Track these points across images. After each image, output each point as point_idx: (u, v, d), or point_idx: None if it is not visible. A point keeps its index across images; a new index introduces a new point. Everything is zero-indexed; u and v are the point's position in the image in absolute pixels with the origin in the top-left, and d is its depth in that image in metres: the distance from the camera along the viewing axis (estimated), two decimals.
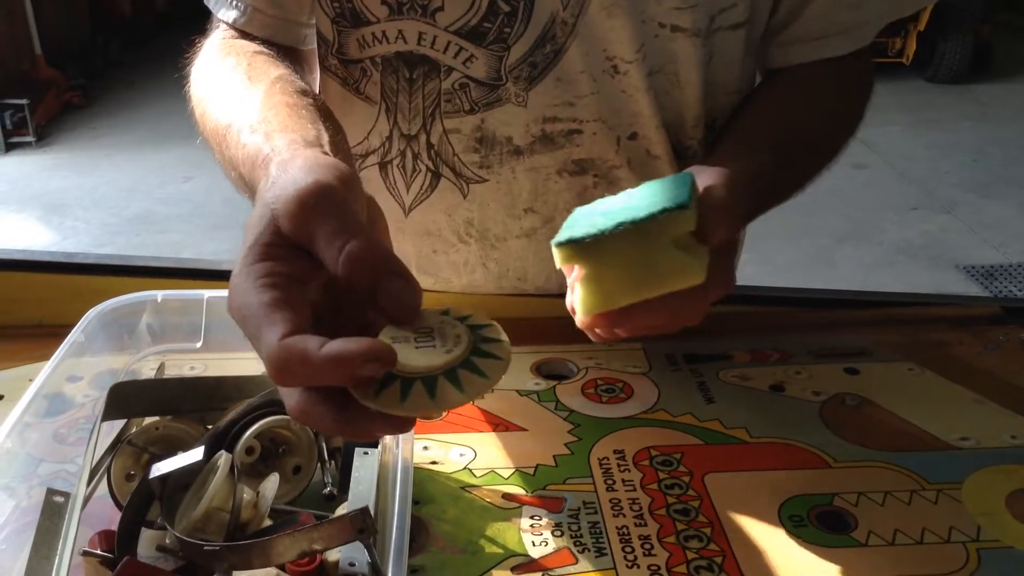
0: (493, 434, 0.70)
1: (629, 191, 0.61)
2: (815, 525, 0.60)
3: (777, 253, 3.21)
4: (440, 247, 0.83)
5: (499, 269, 0.83)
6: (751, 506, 0.62)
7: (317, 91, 0.80)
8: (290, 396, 0.41)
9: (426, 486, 0.64)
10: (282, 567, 0.48)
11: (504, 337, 0.44)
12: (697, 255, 0.56)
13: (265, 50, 0.72)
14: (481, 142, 0.77)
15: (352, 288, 0.42)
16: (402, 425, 0.42)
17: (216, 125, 0.63)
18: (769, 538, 0.59)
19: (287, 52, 0.75)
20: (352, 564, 0.48)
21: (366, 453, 0.58)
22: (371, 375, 0.40)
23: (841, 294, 0.92)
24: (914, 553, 0.58)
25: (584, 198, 0.80)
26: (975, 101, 5.08)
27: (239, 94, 0.63)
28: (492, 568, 0.57)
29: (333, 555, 0.50)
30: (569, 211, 0.79)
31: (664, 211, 0.55)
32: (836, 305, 0.89)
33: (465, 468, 0.66)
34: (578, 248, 0.57)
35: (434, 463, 0.66)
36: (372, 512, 0.48)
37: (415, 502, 0.60)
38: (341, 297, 0.45)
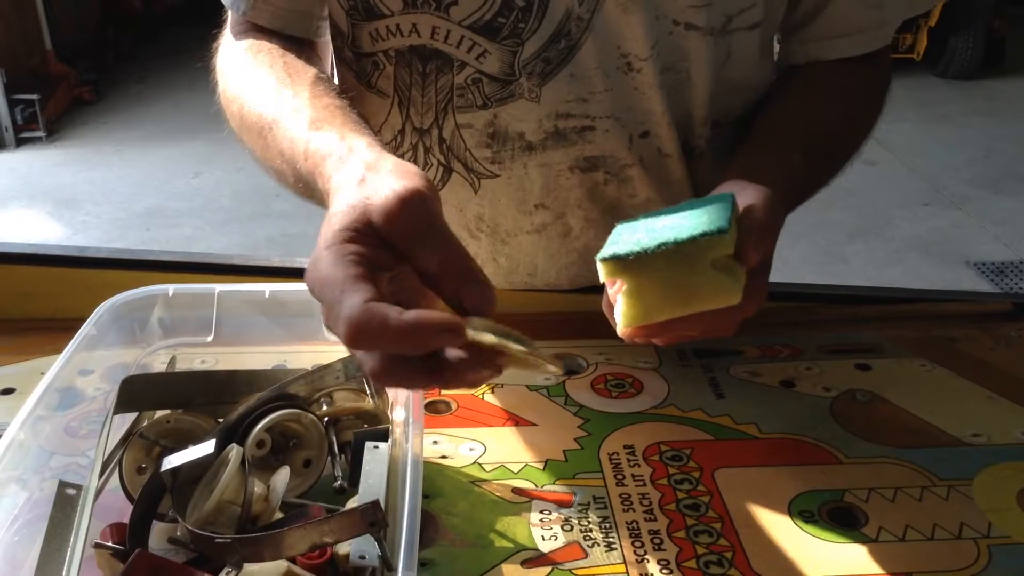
0: (503, 429, 0.70)
1: (672, 209, 0.65)
2: (825, 521, 0.60)
3: (788, 249, 3.19)
4: None
5: (509, 264, 0.83)
6: (761, 501, 0.62)
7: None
8: (370, 359, 0.45)
9: (436, 480, 0.64)
10: (293, 560, 0.48)
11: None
12: (734, 275, 0.60)
13: (289, 47, 0.72)
14: (493, 137, 0.77)
15: (437, 288, 0.47)
16: (490, 362, 0.46)
17: (259, 119, 0.65)
18: (779, 533, 0.59)
19: (301, 44, 0.75)
20: (363, 557, 0.48)
21: (376, 447, 0.58)
22: (443, 344, 0.44)
23: (852, 290, 0.92)
24: (925, 549, 0.58)
25: (595, 195, 0.79)
26: (986, 97, 5.05)
27: (283, 91, 0.65)
28: (502, 562, 0.57)
29: (343, 548, 0.50)
30: (581, 208, 0.79)
31: (704, 235, 0.58)
32: (847, 301, 0.89)
33: (475, 462, 0.66)
34: (621, 264, 0.61)
35: (444, 457, 0.66)
36: (382, 505, 0.48)
37: (425, 496, 0.60)
38: (402, 291, 0.48)
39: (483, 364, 0.46)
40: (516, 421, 0.71)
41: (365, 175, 0.51)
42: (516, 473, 0.65)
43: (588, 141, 0.77)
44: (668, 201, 0.80)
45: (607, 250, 0.63)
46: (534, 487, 0.63)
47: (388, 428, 0.61)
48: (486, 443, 0.68)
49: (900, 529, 0.59)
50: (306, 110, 0.61)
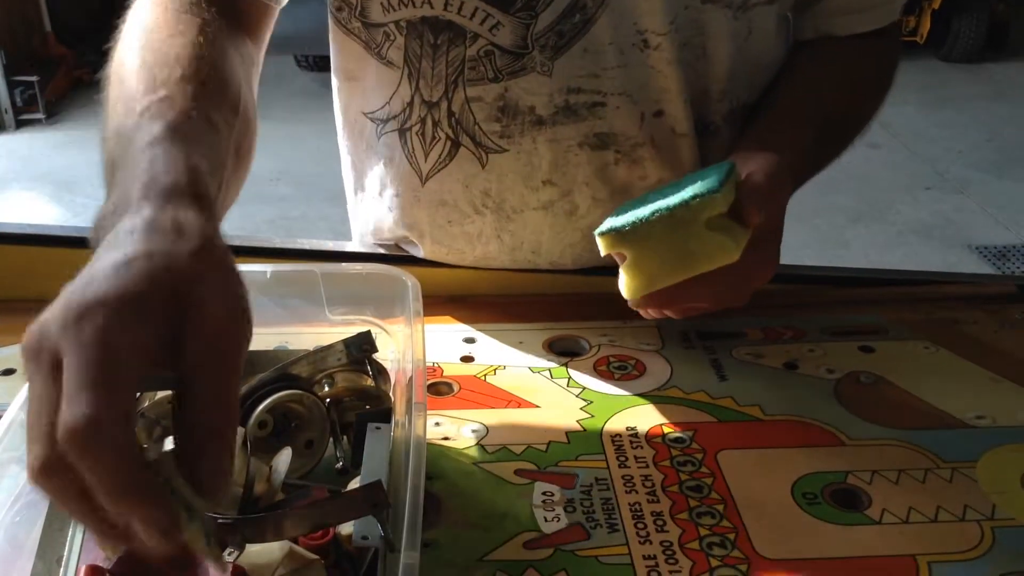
0: (505, 411, 0.70)
1: (674, 181, 0.66)
2: (829, 502, 0.60)
3: (789, 233, 3.16)
4: (455, 217, 0.82)
5: (513, 241, 0.83)
6: (764, 483, 0.62)
7: (261, 55, 0.74)
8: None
9: (438, 462, 0.64)
10: (295, 540, 0.48)
11: None
12: (733, 235, 0.61)
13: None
14: (503, 111, 0.76)
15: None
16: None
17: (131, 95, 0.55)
18: (782, 515, 0.59)
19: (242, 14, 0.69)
20: (365, 537, 0.48)
21: (378, 428, 0.58)
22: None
23: (856, 272, 0.91)
24: (928, 531, 0.58)
25: (604, 175, 0.79)
26: (990, 80, 5.03)
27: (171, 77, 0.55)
28: (504, 543, 0.57)
29: (346, 528, 0.49)
30: (588, 185, 0.79)
31: (694, 197, 0.59)
32: (851, 283, 0.88)
33: (477, 444, 0.66)
34: (618, 236, 0.62)
35: (446, 439, 0.66)
36: (384, 487, 0.48)
37: (427, 478, 0.60)
38: None
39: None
40: (518, 403, 0.70)
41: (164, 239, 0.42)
42: (518, 455, 0.65)
43: (599, 117, 0.76)
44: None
45: (605, 224, 0.64)
46: (536, 469, 0.63)
47: (390, 409, 0.60)
48: (488, 425, 0.68)
49: (903, 511, 0.59)
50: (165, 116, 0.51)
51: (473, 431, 0.67)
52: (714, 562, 0.55)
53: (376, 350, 0.64)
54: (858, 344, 0.78)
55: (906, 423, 0.68)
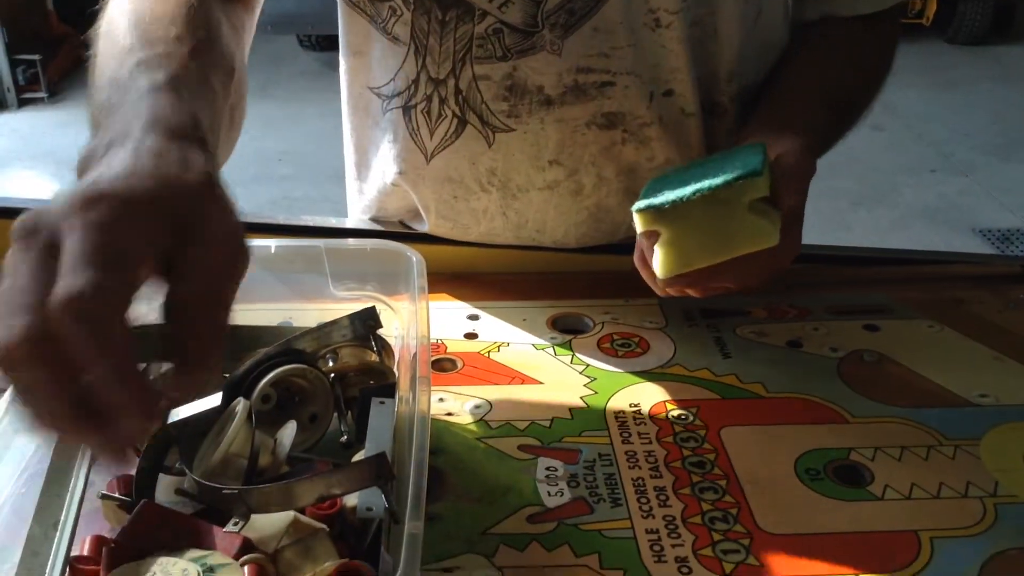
0: (509, 387, 0.70)
1: (702, 161, 0.65)
2: (831, 479, 0.60)
3: None
4: (460, 194, 0.82)
5: (518, 219, 0.82)
6: (767, 459, 0.62)
7: (253, 23, 0.74)
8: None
9: (442, 437, 0.64)
10: (301, 511, 0.48)
11: (237, 568, 0.44)
12: (771, 219, 0.60)
13: None
14: (511, 90, 0.76)
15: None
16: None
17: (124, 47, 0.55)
18: (785, 491, 0.59)
19: None
20: (370, 509, 0.48)
21: (382, 402, 0.58)
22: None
23: (861, 251, 0.91)
24: (931, 507, 0.58)
25: (611, 154, 0.79)
26: (996, 62, 5.00)
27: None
28: (508, 517, 0.57)
29: (351, 500, 0.50)
30: (595, 165, 0.79)
31: (739, 178, 0.59)
32: (855, 263, 0.88)
33: (481, 420, 0.66)
34: (658, 214, 0.61)
35: (450, 415, 0.66)
36: (389, 459, 0.48)
37: (431, 452, 0.60)
38: None
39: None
40: (522, 380, 0.71)
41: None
42: (522, 431, 0.65)
43: (607, 97, 0.76)
44: (684, 160, 0.80)
45: (641, 201, 0.63)
46: (540, 444, 0.63)
47: (394, 384, 0.61)
48: (492, 401, 0.68)
49: (906, 487, 0.59)
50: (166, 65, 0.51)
51: (476, 407, 0.67)
52: (716, 536, 0.55)
53: (381, 326, 0.64)
54: (862, 323, 0.78)
55: (909, 401, 0.68)
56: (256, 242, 0.68)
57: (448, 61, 0.76)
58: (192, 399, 0.40)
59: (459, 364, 0.72)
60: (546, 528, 0.56)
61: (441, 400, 0.68)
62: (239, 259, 0.42)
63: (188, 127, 0.46)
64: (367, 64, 0.82)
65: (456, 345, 0.75)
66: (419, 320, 0.59)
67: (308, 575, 0.45)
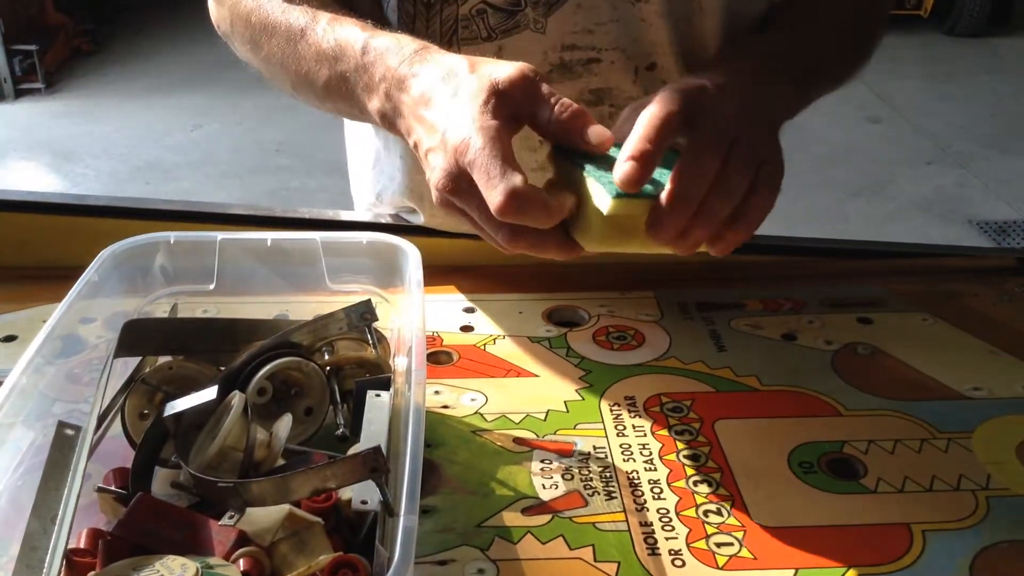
0: (504, 380, 0.70)
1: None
2: (824, 471, 0.60)
3: (790, 206, 3.15)
4: None
5: None
6: (761, 452, 0.62)
7: None
8: (504, 230, 0.55)
9: (438, 429, 0.64)
10: (297, 505, 0.48)
11: (234, 570, 0.45)
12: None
13: None
14: None
15: (555, 138, 0.58)
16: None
17: (287, 24, 0.69)
18: (778, 483, 0.59)
19: None
20: (364, 502, 0.49)
21: (378, 395, 0.58)
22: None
23: (855, 244, 0.91)
24: (923, 500, 0.58)
25: None
26: (993, 55, 4.99)
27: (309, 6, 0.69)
28: (502, 509, 0.57)
29: (346, 493, 0.50)
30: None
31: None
32: (850, 255, 0.88)
33: (476, 413, 0.66)
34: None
35: (445, 407, 0.67)
36: (384, 453, 0.48)
37: (427, 445, 0.60)
38: None
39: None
40: (517, 372, 0.71)
41: (475, 62, 0.59)
42: (517, 423, 0.65)
43: (594, 73, 0.76)
44: None
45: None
46: (535, 437, 0.64)
47: (390, 377, 0.61)
48: (487, 394, 0.68)
49: (899, 480, 0.60)
50: (346, 19, 0.67)
51: (472, 400, 0.67)
52: (710, 529, 0.56)
53: (376, 319, 0.64)
54: (857, 316, 0.78)
55: (903, 394, 0.68)
56: (252, 235, 0.68)
57: (435, 43, 0.76)
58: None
59: (455, 357, 0.72)
60: (541, 520, 0.56)
61: (437, 393, 0.68)
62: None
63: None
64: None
65: (452, 338, 0.75)
66: (415, 312, 0.59)
67: (303, 568, 0.45)
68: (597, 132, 0.56)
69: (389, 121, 0.62)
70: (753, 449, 0.63)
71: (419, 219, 0.86)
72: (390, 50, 0.62)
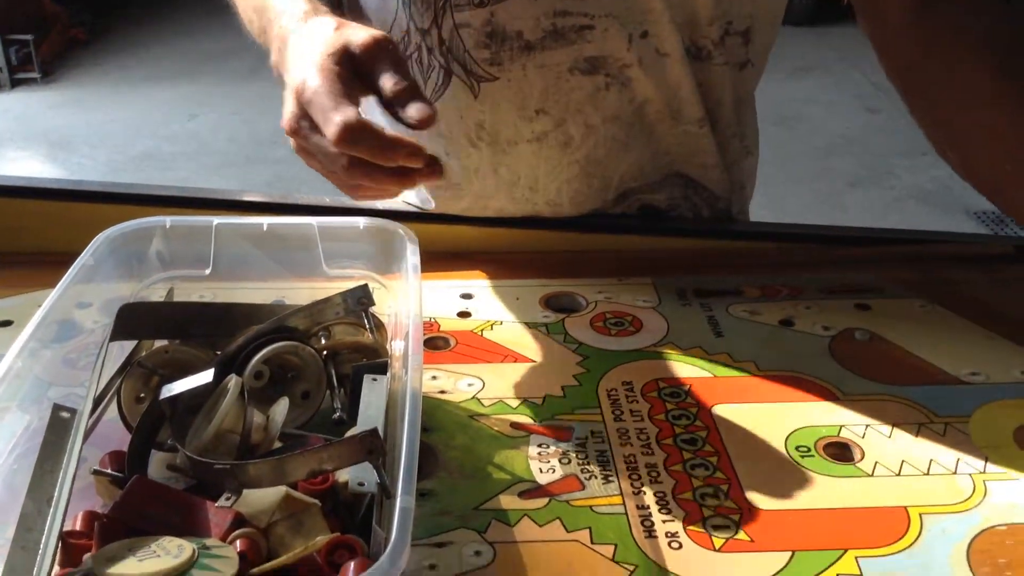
0: (502, 365, 0.70)
1: None
2: (821, 455, 0.60)
3: (788, 197, 3.18)
4: (452, 150, 0.82)
5: (510, 176, 0.83)
6: (758, 437, 0.62)
7: None
8: (340, 160, 0.58)
9: (435, 414, 0.64)
10: (293, 487, 0.48)
11: (231, 551, 0.45)
12: None
13: None
14: (491, 37, 0.76)
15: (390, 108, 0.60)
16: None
17: None
18: (775, 467, 0.59)
19: None
20: (361, 484, 0.49)
21: (375, 379, 0.58)
22: (406, 162, 0.58)
23: (853, 231, 0.91)
24: (920, 484, 0.58)
25: (596, 100, 0.79)
26: None
27: None
28: (500, 493, 0.57)
29: (343, 476, 0.50)
30: (581, 113, 0.80)
31: None
32: (848, 243, 0.88)
33: (473, 398, 0.66)
34: None
35: (442, 392, 0.66)
36: (381, 435, 0.48)
37: (424, 429, 0.60)
38: None
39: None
40: (515, 358, 0.71)
41: (339, 22, 0.63)
42: (514, 408, 0.65)
43: (587, 40, 0.76)
44: (669, 103, 0.80)
45: None
46: (532, 422, 0.64)
47: (387, 362, 0.61)
48: (485, 379, 0.68)
49: (896, 464, 0.60)
50: None
51: (469, 385, 0.67)
52: (707, 512, 0.56)
53: (373, 303, 0.64)
54: (854, 302, 0.78)
55: (900, 379, 0.68)
56: (248, 220, 0.68)
57: (430, 10, 0.77)
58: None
59: (452, 342, 0.72)
60: (538, 504, 0.56)
61: (434, 378, 0.68)
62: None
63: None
64: (364, 19, 0.82)
65: (449, 323, 0.75)
66: (412, 296, 0.59)
67: (300, 549, 0.45)
68: (418, 109, 0.59)
69: (278, 74, 0.66)
70: (750, 434, 0.62)
71: (419, 195, 0.86)
72: (286, 12, 0.67)
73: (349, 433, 0.54)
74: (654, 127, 0.82)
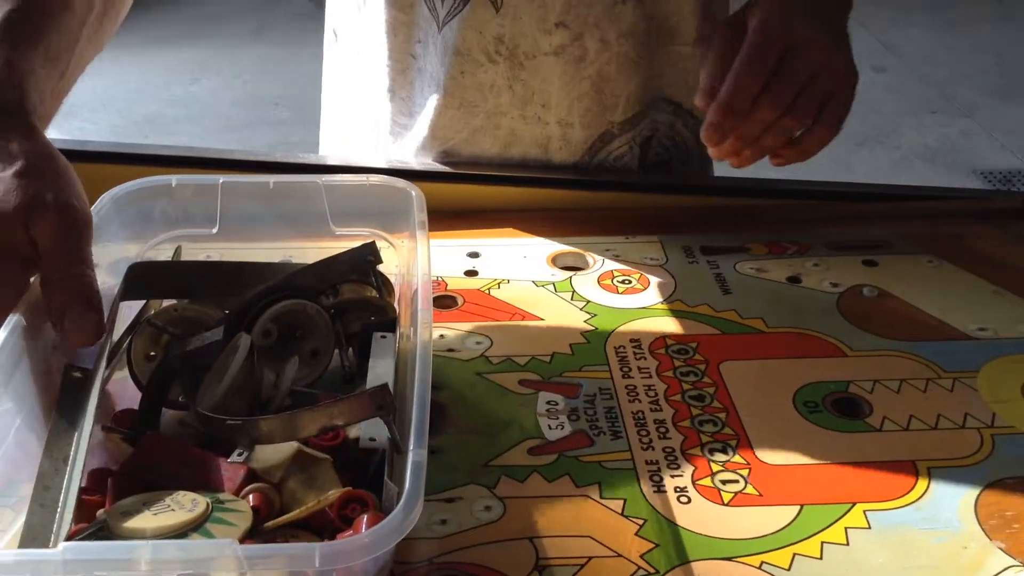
0: (509, 323, 0.70)
1: None
2: (829, 411, 0.61)
3: None
4: (468, 68, 0.83)
5: (524, 92, 0.84)
6: (766, 392, 0.62)
7: None
8: None
9: (443, 372, 0.64)
10: (304, 443, 0.48)
11: (245, 505, 0.45)
12: None
13: None
14: None
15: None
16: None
17: None
18: (783, 423, 0.60)
19: None
20: (372, 439, 0.49)
21: (384, 337, 0.58)
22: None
23: (860, 187, 0.91)
24: (928, 438, 0.58)
25: (613, 14, 0.81)
26: (998, 3, 4.93)
27: None
28: (509, 449, 0.57)
29: (354, 432, 0.50)
30: (598, 27, 0.81)
31: None
32: (856, 199, 0.88)
33: (482, 356, 0.66)
34: None
35: (450, 351, 0.67)
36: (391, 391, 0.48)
37: (432, 388, 0.60)
38: None
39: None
40: (522, 316, 0.71)
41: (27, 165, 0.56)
42: (523, 366, 0.65)
43: None
44: (669, 20, 0.82)
45: None
46: (540, 379, 0.64)
47: (395, 319, 0.61)
48: (493, 337, 0.68)
49: (904, 419, 0.60)
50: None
51: (477, 343, 0.67)
52: (715, 467, 0.56)
53: (381, 260, 0.64)
54: (861, 258, 0.77)
55: (908, 335, 0.68)
56: (254, 178, 0.68)
57: None
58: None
59: (460, 301, 0.72)
60: (547, 460, 0.56)
61: (442, 336, 0.68)
62: (80, 219, 0.54)
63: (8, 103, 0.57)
64: None
65: (456, 282, 0.75)
66: (420, 253, 0.59)
67: (312, 503, 0.45)
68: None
69: None
70: (758, 390, 0.63)
71: (427, 122, 0.87)
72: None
73: (359, 390, 0.54)
74: (656, 48, 0.83)
